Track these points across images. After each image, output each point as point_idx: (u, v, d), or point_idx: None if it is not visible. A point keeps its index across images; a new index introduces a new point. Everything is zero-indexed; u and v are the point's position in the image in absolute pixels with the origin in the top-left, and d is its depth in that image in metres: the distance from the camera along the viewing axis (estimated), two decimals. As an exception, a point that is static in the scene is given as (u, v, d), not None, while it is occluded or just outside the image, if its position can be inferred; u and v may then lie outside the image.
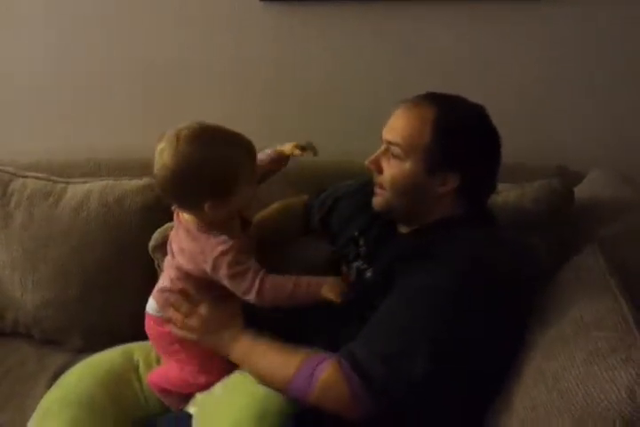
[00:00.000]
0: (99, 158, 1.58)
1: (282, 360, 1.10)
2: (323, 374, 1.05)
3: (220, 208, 1.12)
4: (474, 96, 1.62)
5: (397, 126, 1.15)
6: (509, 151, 1.64)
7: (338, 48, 1.63)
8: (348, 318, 1.17)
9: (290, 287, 1.14)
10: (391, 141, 1.15)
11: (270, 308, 1.17)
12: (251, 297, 1.14)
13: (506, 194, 1.42)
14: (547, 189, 1.38)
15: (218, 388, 1.18)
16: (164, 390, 1.26)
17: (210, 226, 1.16)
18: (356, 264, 1.26)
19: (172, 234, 1.24)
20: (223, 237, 1.13)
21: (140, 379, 1.30)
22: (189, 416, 1.21)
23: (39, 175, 1.54)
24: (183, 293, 1.20)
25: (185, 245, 1.18)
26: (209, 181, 1.09)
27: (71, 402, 1.21)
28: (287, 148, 1.30)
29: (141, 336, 1.35)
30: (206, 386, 1.21)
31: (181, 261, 1.19)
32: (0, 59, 1.73)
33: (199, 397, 1.22)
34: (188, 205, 1.15)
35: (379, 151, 1.18)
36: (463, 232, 1.14)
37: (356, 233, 1.31)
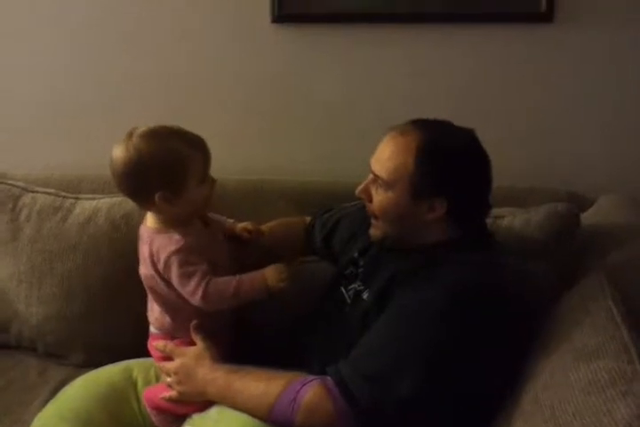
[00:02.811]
0: (108, 175, 1.55)
1: (262, 388, 1.07)
2: (306, 395, 1.02)
3: (171, 203, 1.14)
4: (485, 119, 1.60)
5: (382, 157, 1.14)
6: (520, 175, 1.63)
7: (348, 70, 1.62)
8: (345, 339, 1.13)
9: (233, 286, 1.15)
10: (376, 174, 1.14)
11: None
12: (196, 299, 1.15)
13: (511, 218, 1.38)
14: (552, 214, 1.33)
15: (214, 410, 1.15)
16: (158, 408, 1.23)
17: (167, 225, 1.18)
18: (353, 286, 1.23)
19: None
20: (177, 237, 1.15)
21: (137, 397, 1.28)
22: (185, 436, 1.19)
23: (49, 191, 1.54)
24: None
25: (143, 250, 1.20)
26: (158, 172, 1.12)
27: (68, 418, 1.19)
28: (239, 228, 1.34)
29: (143, 353, 1.33)
30: (202, 406, 1.17)
31: (142, 270, 1.22)
32: (14, 75, 1.74)
33: (195, 417, 1.19)
34: (139, 198, 1.19)
35: (367, 180, 1.17)
36: (458, 255, 1.12)
37: (356, 254, 1.29)
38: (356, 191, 1.19)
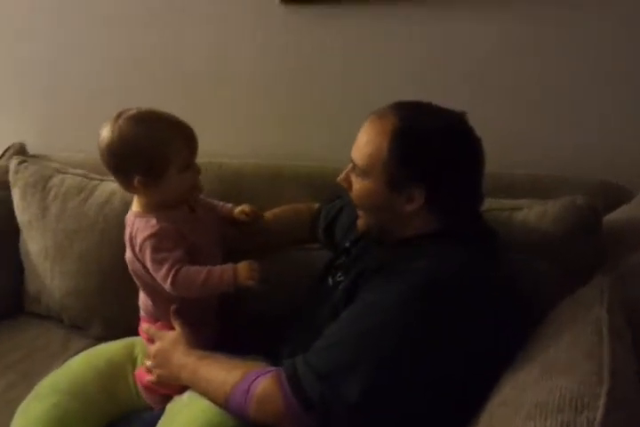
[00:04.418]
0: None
1: (222, 376, 1.02)
2: (259, 387, 0.96)
3: (150, 187, 1.12)
4: (509, 103, 1.42)
5: (360, 144, 1.04)
6: (555, 163, 1.43)
7: (365, 51, 1.49)
8: (316, 332, 1.05)
9: (202, 277, 1.11)
10: (353, 160, 1.05)
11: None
12: (166, 286, 1.12)
13: (527, 211, 1.22)
14: (568, 207, 1.16)
15: (186, 394, 1.12)
16: (147, 387, 1.22)
17: (148, 209, 1.16)
18: (337, 276, 1.14)
19: None
20: (153, 222, 1.13)
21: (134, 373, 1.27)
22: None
23: (79, 172, 1.57)
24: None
25: (126, 234, 1.18)
26: (137, 157, 1.10)
27: (60, 388, 1.21)
28: (237, 211, 1.31)
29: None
30: (182, 389, 1.13)
31: (126, 254, 1.20)
32: (56, 57, 1.76)
33: (176, 398, 1.17)
34: (120, 178, 1.16)
35: (348, 168, 1.08)
36: (437, 249, 1.00)
37: (348, 244, 1.20)
38: (338, 179, 1.10)
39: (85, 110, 1.77)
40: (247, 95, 1.60)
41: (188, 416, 1.06)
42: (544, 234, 1.17)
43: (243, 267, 1.12)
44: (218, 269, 1.13)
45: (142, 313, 1.26)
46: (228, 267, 1.13)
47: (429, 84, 1.44)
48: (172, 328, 1.17)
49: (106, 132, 1.12)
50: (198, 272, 1.11)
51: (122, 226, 1.40)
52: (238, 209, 1.30)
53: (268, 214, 1.36)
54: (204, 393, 1.05)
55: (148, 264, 1.13)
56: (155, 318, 1.22)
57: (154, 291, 1.19)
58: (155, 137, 1.10)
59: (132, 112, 1.13)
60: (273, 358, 1.12)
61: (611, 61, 1.36)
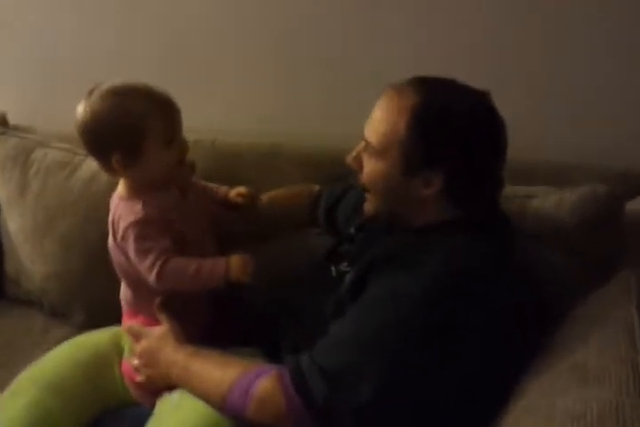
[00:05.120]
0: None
1: (218, 375, 0.92)
2: (259, 387, 0.87)
3: (130, 167, 1.02)
4: (526, 84, 1.32)
5: (375, 121, 0.94)
6: (574, 150, 1.34)
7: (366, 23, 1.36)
8: (322, 324, 0.96)
9: (192, 269, 1.01)
10: (366, 139, 0.95)
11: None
12: (151, 278, 1.01)
13: (542, 199, 1.12)
14: (587, 196, 1.07)
15: (177, 393, 1.02)
16: (135, 382, 1.11)
17: (133, 192, 1.05)
18: (341, 266, 1.05)
19: None
20: (138, 207, 1.02)
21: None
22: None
23: (64, 146, 1.43)
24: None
25: (109, 217, 1.08)
26: (111, 133, 1.01)
27: (39, 383, 1.10)
28: (232, 193, 1.22)
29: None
30: (172, 386, 1.04)
31: (108, 239, 1.09)
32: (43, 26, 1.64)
33: (165, 395, 1.07)
34: (98, 159, 1.06)
35: (359, 147, 0.97)
36: (451, 240, 0.91)
37: (353, 230, 1.10)
38: (347, 159, 1.00)
39: (72, 81, 1.61)
40: (249, 72, 1.48)
41: (179, 418, 0.97)
42: (560, 224, 1.08)
43: (235, 261, 1.02)
44: (209, 262, 1.02)
45: (123, 305, 1.15)
46: (221, 260, 1.03)
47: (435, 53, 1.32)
48: (155, 324, 1.07)
49: (80, 110, 1.02)
50: (187, 265, 1.01)
51: (108, 205, 1.31)
52: (234, 191, 1.20)
53: (266, 197, 1.26)
54: (197, 392, 0.95)
55: (132, 254, 1.02)
56: (136, 311, 1.11)
57: (136, 282, 1.08)
58: (128, 111, 1.00)
59: (103, 87, 1.02)
60: (272, 351, 1.04)
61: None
